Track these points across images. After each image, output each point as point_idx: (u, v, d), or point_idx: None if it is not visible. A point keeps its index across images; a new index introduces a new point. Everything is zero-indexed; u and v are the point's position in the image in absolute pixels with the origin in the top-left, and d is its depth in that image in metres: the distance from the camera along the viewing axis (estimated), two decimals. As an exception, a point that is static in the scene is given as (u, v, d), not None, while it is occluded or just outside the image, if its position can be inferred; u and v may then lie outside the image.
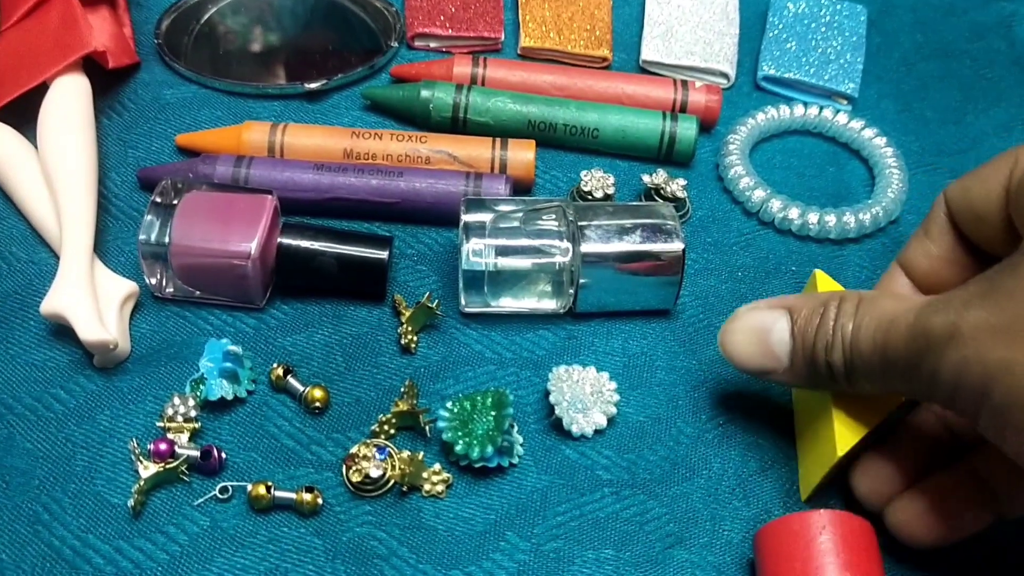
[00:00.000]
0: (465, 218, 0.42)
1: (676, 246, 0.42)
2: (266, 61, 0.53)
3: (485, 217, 0.42)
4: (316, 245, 0.42)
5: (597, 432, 0.40)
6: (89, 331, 0.39)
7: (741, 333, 0.37)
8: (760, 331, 0.37)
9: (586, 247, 0.41)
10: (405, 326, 0.42)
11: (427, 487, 0.38)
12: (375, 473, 0.37)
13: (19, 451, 0.38)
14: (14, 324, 0.41)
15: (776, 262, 0.47)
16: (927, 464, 0.38)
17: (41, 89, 0.46)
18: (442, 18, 0.55)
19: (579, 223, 0.42)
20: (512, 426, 0.39)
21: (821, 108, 0.53)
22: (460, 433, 0.38)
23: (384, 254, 0.42)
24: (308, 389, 0.40)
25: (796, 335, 0.36)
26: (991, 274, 0.32)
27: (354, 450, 0.38)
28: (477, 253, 0.41)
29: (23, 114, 0.46)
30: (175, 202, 0.42)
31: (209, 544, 0.36)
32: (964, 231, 0.39)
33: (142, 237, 0.41)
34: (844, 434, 0.37)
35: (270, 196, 0.42)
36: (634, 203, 0.45)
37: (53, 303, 0.40)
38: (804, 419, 0.41)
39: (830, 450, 0.37)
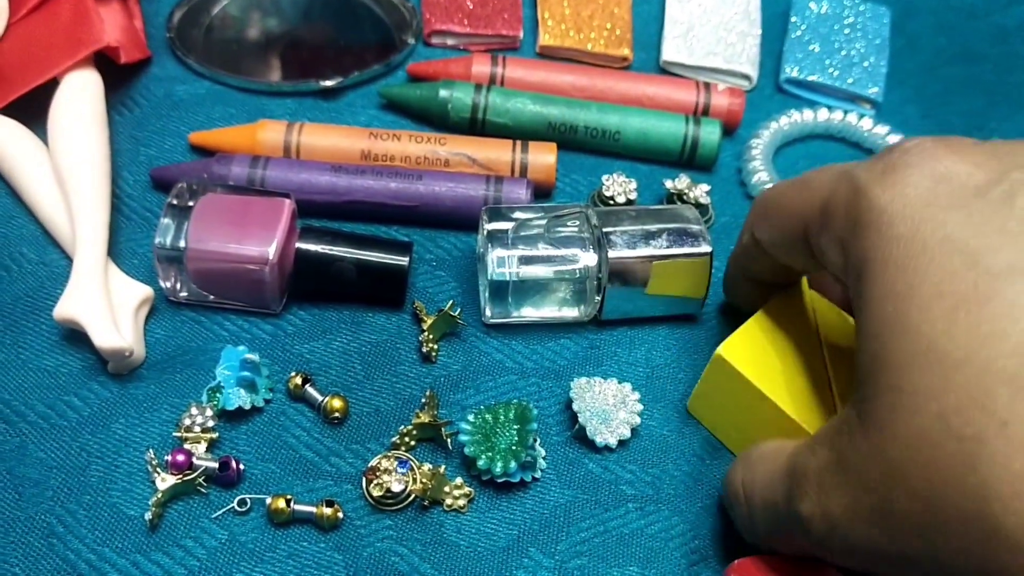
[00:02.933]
0: (488, 227, 0.41)
1: (703, 249, 0.41)
2: (279, 56, 0.52)
3: (507, 225, 0.41)
4: (335, 250, 0.41)
5: (621, 443, 0.40)
6: (105, 338, 0.38)
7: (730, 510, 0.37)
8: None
9: (613, 253, 0.41)
10: (427, 334, 0.41)
11: (448, 501, 0.37)
12: (397, 487, 0.37)
13: (32, 460, 0.37)
14: (25, 328, 0.40)
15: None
16: None
17: (51, 84, 0.45)
18: (460, 15, 0.54)
19: (603, 229, 0.41)
20: (535, 440, 0.39)
21: (845, 112, 0.52)
22: (482, 447, 0.37)
23: (405, 260, 0.42)
24: (327, 399, 0.39)
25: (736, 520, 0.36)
26: (832, 438, 0.29)
27: (375, 463, 0.38)
28: (501, 263, 0.40)
29: (33, 110, 0.45)
30: (191, 204, 0.41)
31: (228, 558, 0.35)
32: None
33: (158, 241, 0.40)
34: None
35: (288, 199, 0.41)
36: (657, 207, 0.44)
37: (67, 308, 0.39)
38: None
39: None
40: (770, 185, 0.49)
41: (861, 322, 0.29)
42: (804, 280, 0.40)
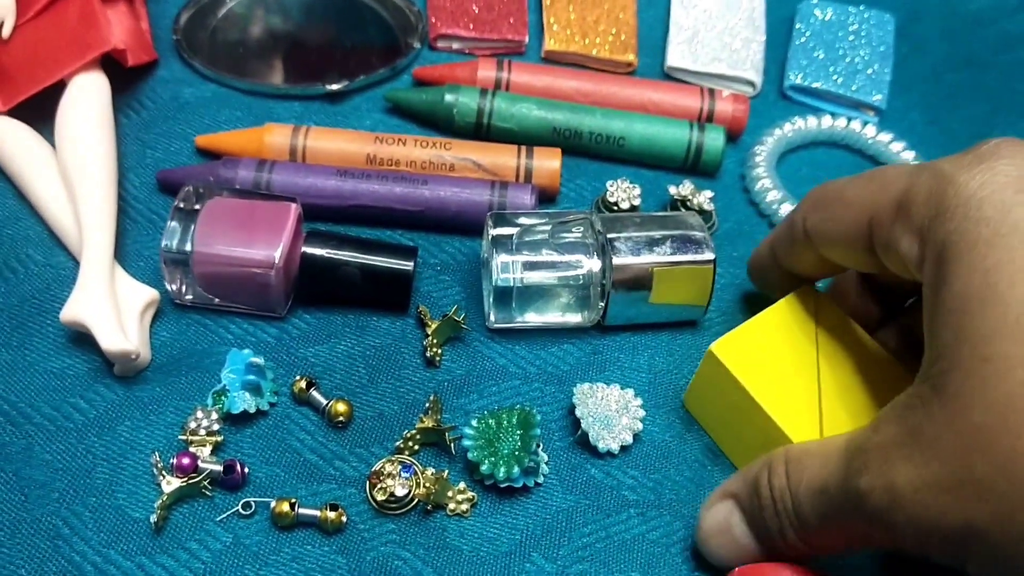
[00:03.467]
0: (493, 232, 0.41)
1: (707, 256, 0.42)
2: (285, 59, 0.52)
3: (512, 231, 0.42)
4: (340, 255, 0.42)
5: (623, 449, 0.40)
6: (111, 341, 0.38)
7: (711, 539, 0.36)
8: (723, 532, 0.36)
9: (617, 259, 0.41)
10: (431, 339, 0.41)
11: (452, 506, 0.38)
12: (400, 492, 0.37)
13: (38, 462, 0.37)
14: (32, 330, 0.41)
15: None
16: None
17: (59, 87, 0.45)
18: (466, 19, 0.54)
19: (607, 235, 0.42)
20: (538, 446, 0.39)
21: (849, 120, 0.53)
22: (486, 452, 0.38)
23: (410, 265, 0.42)
24: (331, 403, 0.39)
25: (751, 527, 0.35)
26: (900, 413, 0.30)
27: (378, 467, 0.38)
28: (506, 268, 0.40)
29: (40, 112, 0.45)
30: (197, 207, 0.41)
31: (232, 561, 0.36)
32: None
33: (164, 244, 0.40)
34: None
35: (294, 203, 0.42)
36: (661, 213, 0.44)
37: (74, 311, 0.39)
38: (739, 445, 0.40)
39: None
40: (775, 192, 0.49)
41: (940, 302, 0.30)
42: (810, 287, 0.40)
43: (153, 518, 0.35)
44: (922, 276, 0.31)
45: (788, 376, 0.38)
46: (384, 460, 0.38)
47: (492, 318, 0.42)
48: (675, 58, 0.54)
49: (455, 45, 0.54)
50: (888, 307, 0.42)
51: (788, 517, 0.33)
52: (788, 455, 0.34)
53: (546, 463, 0.39)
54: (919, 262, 0.31)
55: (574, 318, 0.43)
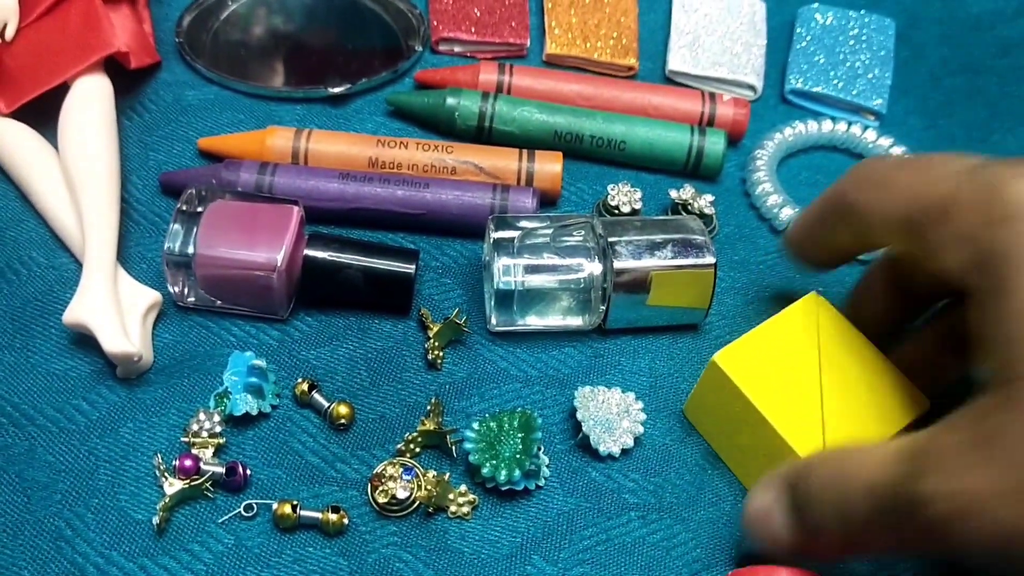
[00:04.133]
0: (495, 235, 0.41)
1: (707, 260, 0.42)
2: (287, 62, 0.52)
3: (513, 234, 0.42)
4: (342, 258, 0.42)
5: (624, 452, 0.40)
6: (114, 343, 0.38)
7: (752, 524, 0.35)
8: (764, 519, 0.35)
9: (618, 263, 0.41)
10: (432, 341, 0.41)
11: (453, 508, 0.38)
12: (402, 494, 0.37)
13: (41, 464, 0.37)
14: (35, 332, 0.41)
15: (803, 282, 0.47)
16: None
17: (62, 89, 0.45)
18: (467, 23, 0.54)
19: (609, 239, 0.42)
20: (539, 448, 0.39)
21: (849, 124, 0.53)
22: (487, 455, 0.38)
23: (411, 268, 0.42)
24: (333, 405, 0.39)
25: (793, 519, 0.34)
26: (972, 420, 0.29)
27: (380, 469, 0.38)
28: (508, 271, 0.41)
29: (43, 114, 0.45)
30: (200, 210, 0.41)
31: (234, 563, 0.36)
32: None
33: (167, 246, 0.40)
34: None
35: (296, 206, 0.42)
36: (662, 217, 0.44)
37: (77, 313, 0.39)
38: (737, 449, 0.40)
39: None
40: (775, 197, 0.49)
41: (1003, 309, 0.30)
42: (813, 295, 0.41)
43: (155, 520, 0.36)
44: (969, 281, 0.31)
45: (791, 386, 0.38)
46: (385, 462, 0.38)
47: (493, 321, 0.42)
48: (676, 62, 0.55)
49: (457, 48, 0.54)
50: (914, 307, 0.41)
51: (834, 515, 0.32)
52: (842, 451, 0.33)
53: (547, 466, 0.39)
54: (965, 268, 0.32)
55: (575, 321, 0.43)
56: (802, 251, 0.42)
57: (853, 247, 0.40)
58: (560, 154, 0.48)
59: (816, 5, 0.58)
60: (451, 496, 0.38)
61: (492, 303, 0.42)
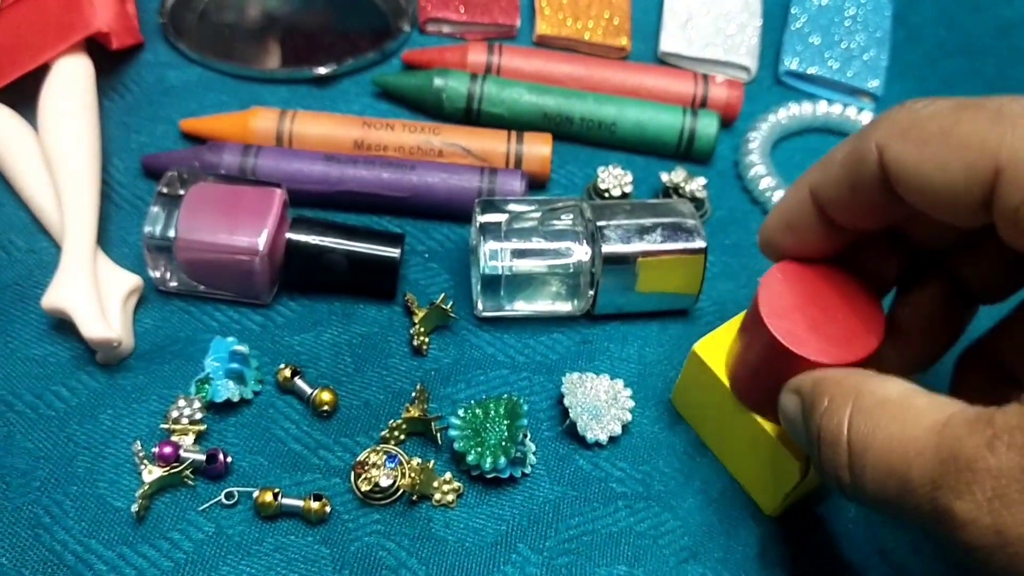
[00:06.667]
0: (481, 219, 0.41)
1: (698, 244, 0.41)
2: (272, 42, 0.52)
3: (501, 218, 0.41)
4: (326, 241, 0.41)
5: (612, 440, 0.39)
6: (93, 328, 0.38)
7: (785, 424, 0.32)
8: (792, 423, 0.32)
9: (607, 248, 0.40)
10: (418, 327, 0.41)
11: (437, 496, 0.37)
12: (385, 482, 0.36)
13: (19, 450, 0.37)
14: (14, 317, 0.40)
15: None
16: None
17: (42, 70, 0.45)
18: (456, 3, 0.53)
19: (597, 223, 0.41)
20: (525, 436, 0.38)
21: (844, 106, 0.52)
22: (472, 443, 0.37)
23: (396, 252, 0.41)
24: (316, 391, 0.39)
25: (811, 440, 0.30)
26: None
27: (363, 457, 0.37)
28: (494, 256, 0.40)
29: (23, 96, 0.45)
30: (181, 193, 0.40)
31: (214, 551, 0.35)
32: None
33: (147, 230, 0.39)
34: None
35: (279, 189, 0.41)
36: (652, 200, 0.44)
37: (55, 297, 0.38)
38: (728, 439, 0.39)
39: (792, 468, 0.35)
40: (768, 179, 0.48)
41: None
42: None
43: (134, 507, 0.35)
44: None
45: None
46: (369, 450, 0.38)
47: (480, 306, 0.41)
48: (669, 43, 0.54)
49: (445, 29, 0.53)
50: (914, 265, 0.35)
51: (841, 468, 0.28)
52: (857, 401, 0.28)
53: (533, 453, 0.39)
54: None
55: (563, 307, 0.42)
56: (788, 238, 0.34)
57: (880, 218, 0.31)
58: (549, 136, 0.47)
59: (812, -15, 0.57)
60: (435, 484, 0.37)
61: (479, 288, 0.41)
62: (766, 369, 0.34)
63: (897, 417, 0.27)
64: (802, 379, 0.32)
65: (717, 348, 0.37)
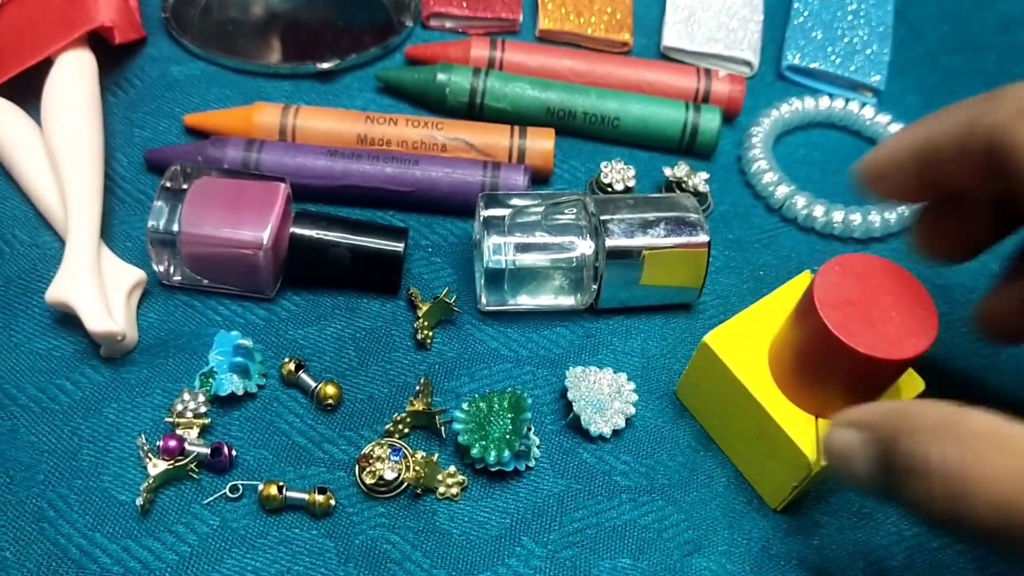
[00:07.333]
0: (485, 213, 0.41)
1: (701, 239, 0.41)
2: (276, 38, 0.52)
3: (504, 212, 0.41)
4: (330, 235, 0.41)
5: (615, 433, 0.39)
6: (97, 322, 0.38)
7: (829, 459, 0.31)
8: (843, 458, 0.30)
9: (610, 242, 0.40)
10: (421, 321, 0.41)
11: (441, 489, 0.37)
12: (390, 475, 0.37)
13: (23, 444, 0.37)
14: (18, 311, 0.40)
15: (799, 261, 0.46)
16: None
17: (45, 65, 0.45)
18: (459, -3, 0.53)
19: (601, 217, 0.41)
20: (529, 429, 0.38)
21: (847, 101, 0.52)
22: (476, 436, 0.37)
23: (400, 246, 0.41)
24: (320, 385, 0.39)
25: (880, 471, 0.29)
26: None
27: (367, 450, 0.37)
28: (498, 250, 0.40)
29: (26, 91, 0.45)
30: (185, 187, 0.40)
31: (219, 544, 0.35)
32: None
33: (151, 224, 0.39)
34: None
35: (283, 183, 0.41)
36: (655, 195, 0.44)
37: (59, 291, 0.38)
38: (732, 430, 0.39)
39: (802, 461, 0.36)
40: (771, 174, 0.48)
41: None
42: (807, 274, 0.40)
43: (139, 501, 0.35)
44: None
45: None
46: (373, 443, 0.38)
47: (484, 300, 0.42)
48: (671, 38, 0.54)
49: (448, 24, 0.53)
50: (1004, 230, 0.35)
51: (938, 501, 0.27)
52: (950, 432, 0.27)
53: (537, 447, 0.39)
54: None
55: (567, 301, 0.42)
56: (886, 182, 0.34)
57: (981, 189, 0.31)
58: (552, 131, 0.47)
59: (814, -20, 0.57)
60: (440, 477, 0.37)
61: (482, 282, 0.41)
62: (814, 358, 0.34)
63: (997, 446, 0.26)
64: (865, 412, 0.30)
65: (729, 339, 0.37)
